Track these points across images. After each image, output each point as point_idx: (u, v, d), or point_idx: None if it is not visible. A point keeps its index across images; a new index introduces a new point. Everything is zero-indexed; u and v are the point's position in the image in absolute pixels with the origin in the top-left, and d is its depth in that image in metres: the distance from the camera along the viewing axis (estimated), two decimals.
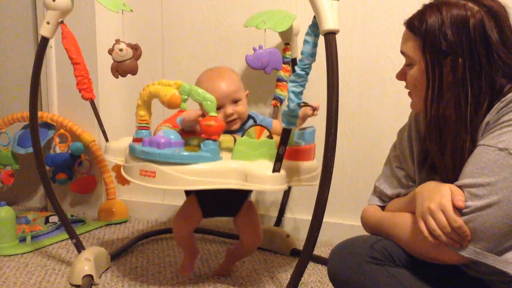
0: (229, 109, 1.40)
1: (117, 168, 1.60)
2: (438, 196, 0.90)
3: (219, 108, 1.36)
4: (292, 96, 1.18)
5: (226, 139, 1.33)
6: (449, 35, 0.94)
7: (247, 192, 1.51)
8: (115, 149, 1.53)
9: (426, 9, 0.99)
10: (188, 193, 1.51)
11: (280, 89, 1.74)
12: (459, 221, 0.87)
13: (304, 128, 1.38)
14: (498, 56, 0.93)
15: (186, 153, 1.27)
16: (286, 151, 1.24)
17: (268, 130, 1.33)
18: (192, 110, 1.37)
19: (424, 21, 0.97)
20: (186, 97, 1.31)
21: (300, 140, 1.39)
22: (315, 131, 1.39)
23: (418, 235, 0.94)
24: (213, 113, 1.29)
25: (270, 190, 1.26)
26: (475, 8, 0.95)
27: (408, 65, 1.04)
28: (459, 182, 0.92)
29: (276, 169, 1.24)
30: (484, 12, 0.94)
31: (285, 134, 1.23)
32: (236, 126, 1.42)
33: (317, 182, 1.21)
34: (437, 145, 0.99)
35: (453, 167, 0.96)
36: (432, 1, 1.01)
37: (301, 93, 1.19)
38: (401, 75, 1.07)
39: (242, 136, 1.32)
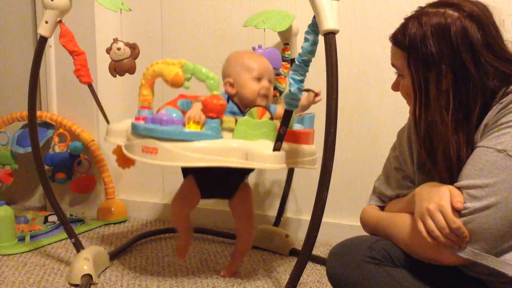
0: (267, 83, 1.43)
1: (118, 150, 1.60)
2: (437, 197, 0.90)
3: (258, 78, 1.41)
4: (292, 81, 1.20)
5: (228, 119, 1.34)
6: (431, 46, 0.93)
7: (244, 174, 1.52)
8: (116, 131, 1.52)
9: (407, 22, 0.99)
10: (186, 173, 1.52)
11: (279, 82, 1.74)
12: (457, 222, 0.87)
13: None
14: (485, 61, 0.93)
15: (188, 130, 1.28)
16: (286, 133, 1.25)
17: (270, 113, 1.35)
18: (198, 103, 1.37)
19: (406, 35, 0.97)
20: (190, 76, 1.33)
21: (299, 124, 1.43)
22: (314, 117, 1.43)
23: (416, 235, 0.94)
24: (216, 92, 1.30)
25: (270, 168, 1.27)
26: (455, 14, 0.94)
27: (400, 76, 1.04)
28: (458, 184, 0.92)
29: (276, 148, 1.26)
30: (465, 17, 0.93)
31: (287, 115, 1.26)
32: (262, 103, 1.43)
33: (315, 166, 1.22)
34: (428, 154, 1.00)
35: (448, 172, 0.96)
36: (413, 12, 1.00)
37: (301, 81, 1.21)
38: (396, 86, 1.08)
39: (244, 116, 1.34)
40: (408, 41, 0.97)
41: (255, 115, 1.34)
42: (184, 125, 1.30)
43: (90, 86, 1.59)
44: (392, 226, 1.05)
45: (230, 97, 1.45)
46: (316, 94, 1.41)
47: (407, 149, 1.12)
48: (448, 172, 0.96)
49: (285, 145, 1.29)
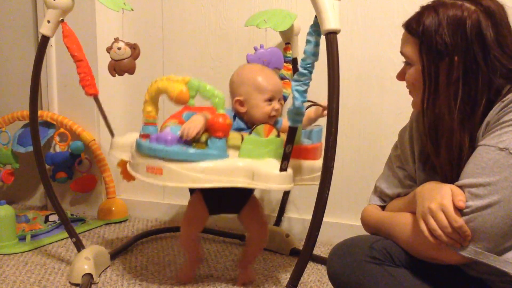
0: (278, 104, 1.40)
1: (122, 163, 1.60)
2: (439, 196, 0.90)
3: (270, 100, 1.38)
4: (296, 94, 1.19)
5: (233, 136, 1.33)
6: (446, 36, 0.94)
7: (252, 189, 1.50)
8: (120, 145, 1.53)
9: (423, 10, 1.00)
10: (192, 190, 1.51)
11: (283, 87, 1.74)
12: (459, 221, 0.88)
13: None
14: (494, 57, 0.94)
15: (193, 151, 1.27)
16: (293, 149, 1.24)
17: (277, 129, 1.34)
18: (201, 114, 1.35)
19: (421, 23, 0.98)
20: (194, 93, 1.31)
21: (307, 139, 1.40)
22: (322, 130, 1.39)
23: (418, 235, 0.94)
24: (222, 110, 1.29)
25: (277, 189, 1.26)
26: (472, 8, 0.95)
27: (408, 65, 1.04)
28: (459, 182, 0.92)
29: (283, 168, 1.24)
30: (481, 11, 0.94)
31: (292, 132, 1.24)
32: (271, 122, 1.41)
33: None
34: (433, 145, 1.00)
35: (450, 166, 0.97)
36: (429, 2, 1.01)
37: (305, 91, 1.20)
38: (401, 75, 1.07)
39: (250, 134, 1.32)
40: (422, 29, 0.97)
41: (262, 132, 1.32)
42: (189, 143, 1.29)
43: (95, 98, 1.60)
44: (393, 226, 1.05)
45: (237, 114, 1.42)
46: (324, 108, 1.38)
47: (408, 148, 1.12)
48: (450, 165, 0.96)
49: (292, 161, 1.27)
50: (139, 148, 1.36)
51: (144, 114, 1.41)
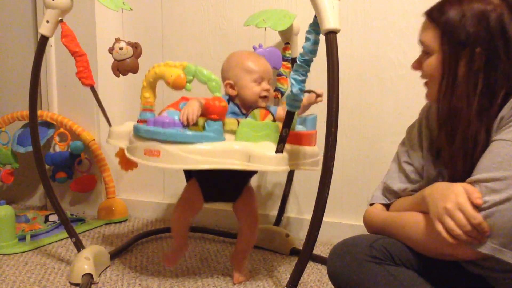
0: (267, 85, 1.43)
1: (120, 153, 1.61)
2: (453, 195, 0.89)
3: (259, 81, 1.41)
4: (294, 82, 1.20)
5: (230, 121, 1.34)
6: (469, 27, 0.95)
7: (248, 177, 1.52)
8: (118, 133, 1.53)
9: (446, 1, 1.00)
10: (188, 177, 1.51)
11: (281, 83, 1.74)
12: (478, 217, 0.87)
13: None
14: None
15: (190, 133, 1.28)
16: (288, 135, 1.25)
17: (272, 115, 1.35)
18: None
19: (444, 12, 0.98)
20: (191, 78, 1.33)
21: (302, 126, 1.43)
22: (316, 119, 1.43)
23: (431, 234, 0.94)
24: (218, 94, 1.30)
25: (273, 170, 1.27)
26: (495, 1, 0.95)
27: (426, 54, 1.04)
28: (474, 177, 0.91)
29: (279, 150, 1.26)
30: (505, 6, 0.95)
31: (289, 117, 1.25)
32: (263, 104, 1.43)
33: (318, 167, 1.22)
34: (447, 136, 0.99)
35: (462, 157, 0.96)
36: None
37: (303, 81, 1.20)
38: (417, 65, 1.07)
39: (246, 118, 1.34)
40: (445, 18, 0.97)
41: (258, 116, 1.34)
42: (185, 126, 1.30)
43: (92, 88, 1.60)
44: (402, 225, 1.03)
45: (230, 98, 1.45)
46: (318, 95, 1.41)
47: (417, 142, 1.12)
48: (463, 156, 0.96)
49: (287, 146, 1.28)
50: (137, 131, 1.36)
51: (142, 100, 1.42)
